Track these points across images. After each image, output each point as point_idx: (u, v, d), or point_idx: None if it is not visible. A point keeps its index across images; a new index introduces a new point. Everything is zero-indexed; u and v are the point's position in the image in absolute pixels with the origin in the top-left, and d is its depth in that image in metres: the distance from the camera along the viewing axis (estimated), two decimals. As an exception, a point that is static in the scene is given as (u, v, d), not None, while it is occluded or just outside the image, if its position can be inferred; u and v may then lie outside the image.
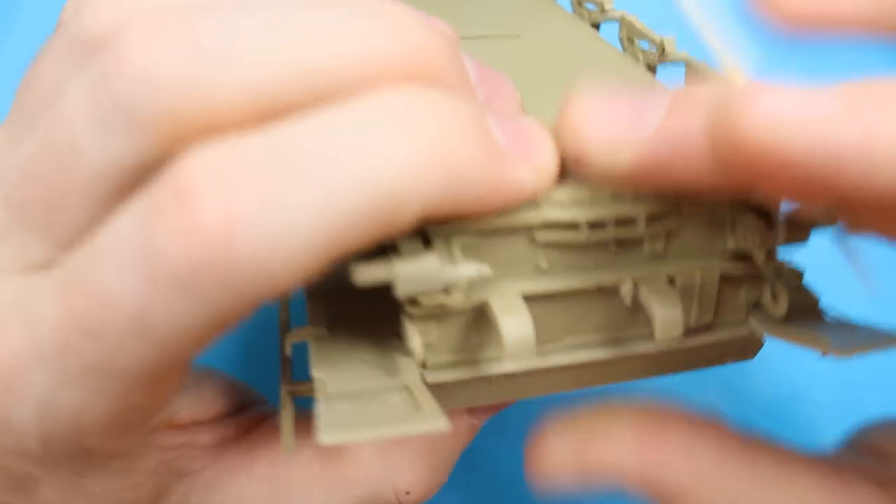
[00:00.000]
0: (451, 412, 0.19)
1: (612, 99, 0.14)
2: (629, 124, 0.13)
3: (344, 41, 0.13)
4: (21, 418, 0.14)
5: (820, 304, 0.17)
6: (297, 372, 0.18)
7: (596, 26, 0.24)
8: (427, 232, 0.14)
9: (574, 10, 0.25)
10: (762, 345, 0.17)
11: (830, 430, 0.34)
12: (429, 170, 0.12)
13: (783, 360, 0.34)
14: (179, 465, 0.18)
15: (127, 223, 0.13)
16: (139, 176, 0.13)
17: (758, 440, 0.15)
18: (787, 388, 0.34)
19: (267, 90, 0.13)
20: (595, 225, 0.14)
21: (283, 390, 0.17)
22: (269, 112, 0.13)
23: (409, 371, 0.15)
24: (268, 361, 0.22)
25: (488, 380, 0.16)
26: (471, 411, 0.19)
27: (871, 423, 0.19)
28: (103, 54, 0.13)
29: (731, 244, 0.15)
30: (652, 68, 0.20)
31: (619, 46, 0.22)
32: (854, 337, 0.15)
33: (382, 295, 0.14)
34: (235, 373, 0.21)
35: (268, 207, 0.12)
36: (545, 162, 0.14)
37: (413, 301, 0.14)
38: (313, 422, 0.17)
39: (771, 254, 0.15)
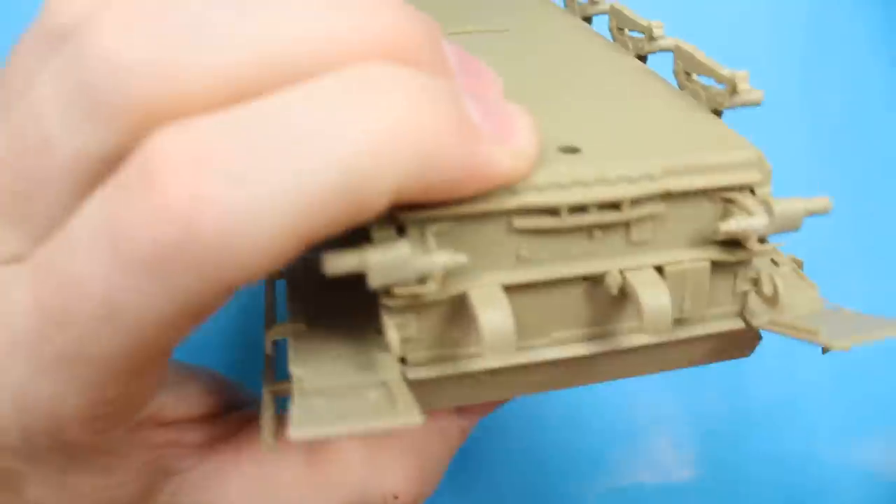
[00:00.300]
0: (439, 413, 0.19)
1: None
2: None
3: (315, 22, 0.13)
4: (0, 411, 0.14)
5: (819, 293, 0.16)
6: (285, 370, 0.17)
7: (588, 19, 0.23)
8: (401, 220, 0.13)
9: (565, 5, 0.25)
10: (759, 340, 0.17)
11: (829, 434, 0.34)
12: (399, 148, 0.12)
13: (783, 365, 0.33)
14: (166, 464, 0.18)
15: (97, 208, 0.12)
16: (113, 164, 0.13)
17: None
18: (786, 392, 0.33)
19: (237, 74, 0.12)
20: (576, 209, 0.14)
21: (266, 389, 0.16)
22: (240, 95, 0.12)
23: (388, 367, 0.15)
24: (259, 354, 0.22)
25: (473, 377, 0.15)
26: (460, 412, 0.19)
27: None
28: (72, 41, 0.13)
29: (721, 229, 0.15)
30: (642, 57, 0.20)
31: (609, 37, 0.22)
32: (852, 326, 0.15)
33: (363, 289, 0.14)
34: (231, 371, 0.21)
35: (234, 187, 0.11)
36: (525, 145, 0.14)
37: (388, 292, 0.14)
38: None
39: (764, 240, 0.15)
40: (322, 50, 0.12)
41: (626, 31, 0.21)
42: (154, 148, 0.12)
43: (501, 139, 0.13)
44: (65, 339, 0.13)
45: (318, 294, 0.17)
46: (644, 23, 0.19)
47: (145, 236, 0.12)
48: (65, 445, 0.15)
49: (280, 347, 0.17)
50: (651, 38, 0.19)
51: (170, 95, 0.12)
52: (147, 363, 0.14)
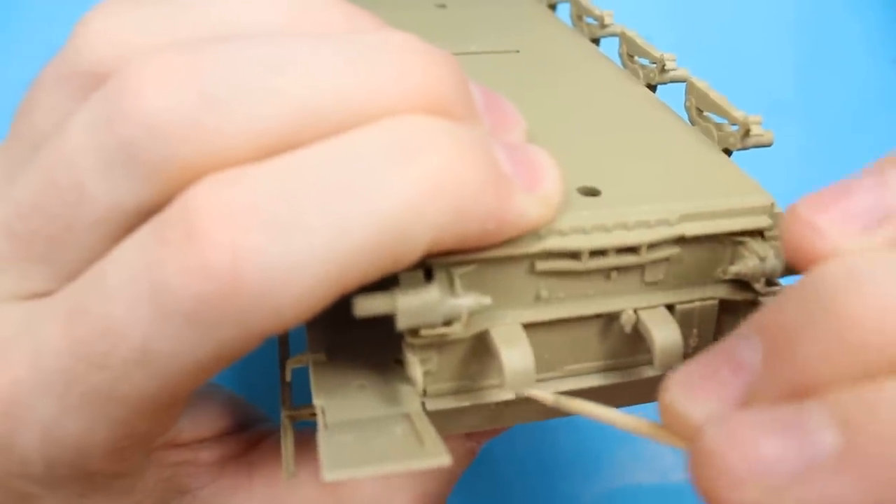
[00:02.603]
0: (449, 436, 0.20)
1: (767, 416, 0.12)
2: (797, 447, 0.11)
3: (349, 79, 0.13)
4: (25, 443, 0.15)
5: None
6: (296, 390, 0.18)
7: (595, 41, 0.24)
8: (428, 263, 0.14)
9: (574, 24, 0.25)
10: None
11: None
12: (435, 203, 0.13)
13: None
14: (180, 483, 0.18)
15: (134, 256, 0.13)
16: (146, 215, 0.13)
17: None
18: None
19: (273, 132, 0.13)
20: (596, 253, 0.15)
21: (284, 416, 0.17)
22: (279, 148, 0.13)
23: (409, 399, 0.15)
24: (265, 370, 0.23)
25: (488, 406, 0.16)
26: (469, 435, 0.20)
27: None
28: (106, 94, 0.13)
29: (731, 271, 0.16)
30: (652, 86, 0.21)
31: (618, 61, 0.22)
32: None
33: (382, 320, 0.15)
34: (232, 382, 0.21)
35: (274, 243, 0.12)
36: (551, 192, 0.14)
37: (413, 331, 0.14)
38: (312, 444, 0.18)
39: (771, 282, 0.16)
40: (358, 103, 0.13)
41: (636, 58, 0.21)
42: (194, 201, 0.12)
43: (529, 187, 0.14)
44: (97, 380, 0.13)
45: (337, 322, 0.17)
46: (657, 54, 0.20)
47: (186, 288, 0.12)
48: (86, 473, 0.16)
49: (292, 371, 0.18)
50: (663, 70, 0.20)
51: (207, 154, 0.13)
52: (176, 400, 0.15)
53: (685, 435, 0.13)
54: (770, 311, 0.12)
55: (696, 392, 0.13)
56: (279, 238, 0.12)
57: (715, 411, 0.12)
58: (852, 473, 0.10)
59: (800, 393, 0.11)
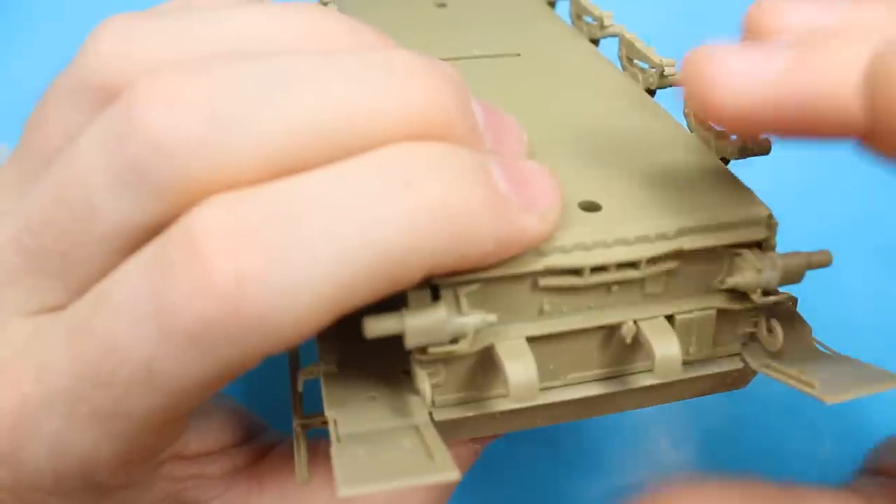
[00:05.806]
0: (455, 441, 0.21)
1: (738, 45, 0.14)
2: (760, 62, 0.14)
3: (353, 101, 0.14)
4: (34, 457, 0.16)
5: (812, 334, 0.18)
6: (304, 398, 0.19)
7: (595, 41, 0.25)
8: (435, 282, 0.15)
9: (573, 23, 0.26)
10: (755, 374, 0.19)
11: (830, 434, 0.36)
12: (433, 229, 0.14)
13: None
14: (190, 496, 0.19)
15: (139, 276, 0.14)
16: (154, 231, 0.14)
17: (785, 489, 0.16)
18: (786, 391, 0.35)
19: (279, 153, 0.14)
20: (597, 269, 0.16)
21: (296, 424, 0.18)
22: (281, 171, 0.14)
23: (418, 409, 0.17)
24: (272, 381, 0.24)
25: (494, 415, 0.17)
26: (474, 438, 0.21)
27: (882, 444, 0.20)
28: (116, 112, 0.14)
29: (728, 282, 0.17)
30: (651, 91, 0.22)
31: (617, 63, 0.23)
32: (846, 378, 0.17)
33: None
34: (241, 391, 0.22)
35: (276, 267, 0.13)
36: (550, 208, 0.15)
37: (421, 349, 0.16)
38: (322, 452, 0.19)
39: (768, 292, 0.17)
40: (361, 124, 0.14)
41: (636, 61, 0.22)
42: (198, 223, 0.13)
43: (528, 206, 0.15)
44: (101, 398, 0.14)
45: (347, 334, 0.19)
46: (656, 59, 0.21)
47: (189, 310, 0.13)
48: (95, 485, 0.17)
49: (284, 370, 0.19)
50: (662, 76, 0.21)
51: (215, 174, 0.14)
52: (179, 416, 0.16)
53: None
54: None
55: None
56: (280, 262, 0.13)
57: None
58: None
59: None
